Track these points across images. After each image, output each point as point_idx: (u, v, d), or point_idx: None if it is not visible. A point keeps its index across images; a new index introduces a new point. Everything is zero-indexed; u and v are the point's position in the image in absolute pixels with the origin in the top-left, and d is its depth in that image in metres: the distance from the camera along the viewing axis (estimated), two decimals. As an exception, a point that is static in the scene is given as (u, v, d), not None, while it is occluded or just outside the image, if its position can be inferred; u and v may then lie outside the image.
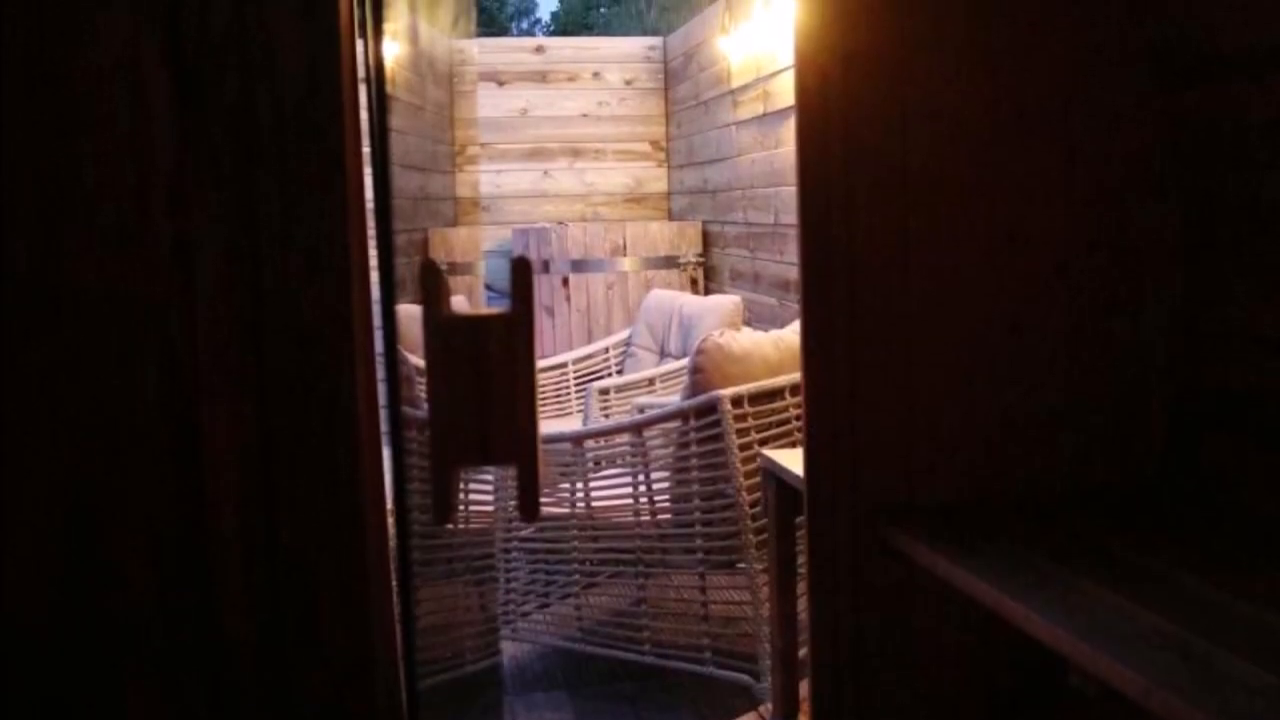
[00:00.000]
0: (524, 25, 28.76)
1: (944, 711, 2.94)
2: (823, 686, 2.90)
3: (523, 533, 4.44)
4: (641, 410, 4.61)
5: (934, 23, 2.78)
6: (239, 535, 2.18)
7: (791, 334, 4.24)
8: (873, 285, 2.79)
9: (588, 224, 8.06)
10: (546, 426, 5.67)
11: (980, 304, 2.85)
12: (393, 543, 2.20)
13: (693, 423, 3.97)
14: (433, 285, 1.39)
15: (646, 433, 4.13)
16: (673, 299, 6.86)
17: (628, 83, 8.83)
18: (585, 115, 8.81)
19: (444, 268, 1.45)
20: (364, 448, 2.18)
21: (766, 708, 3.88)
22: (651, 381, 6.30)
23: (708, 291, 7.45)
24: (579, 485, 4.26)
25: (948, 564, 2.47)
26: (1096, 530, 2.63)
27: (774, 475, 3.49)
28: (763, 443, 3.93)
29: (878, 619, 2.86)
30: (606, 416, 5.97)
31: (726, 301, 6.45)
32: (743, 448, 3.88)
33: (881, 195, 2.78)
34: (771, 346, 4.19)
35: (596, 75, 8.83)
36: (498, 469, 3.59)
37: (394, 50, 1.95)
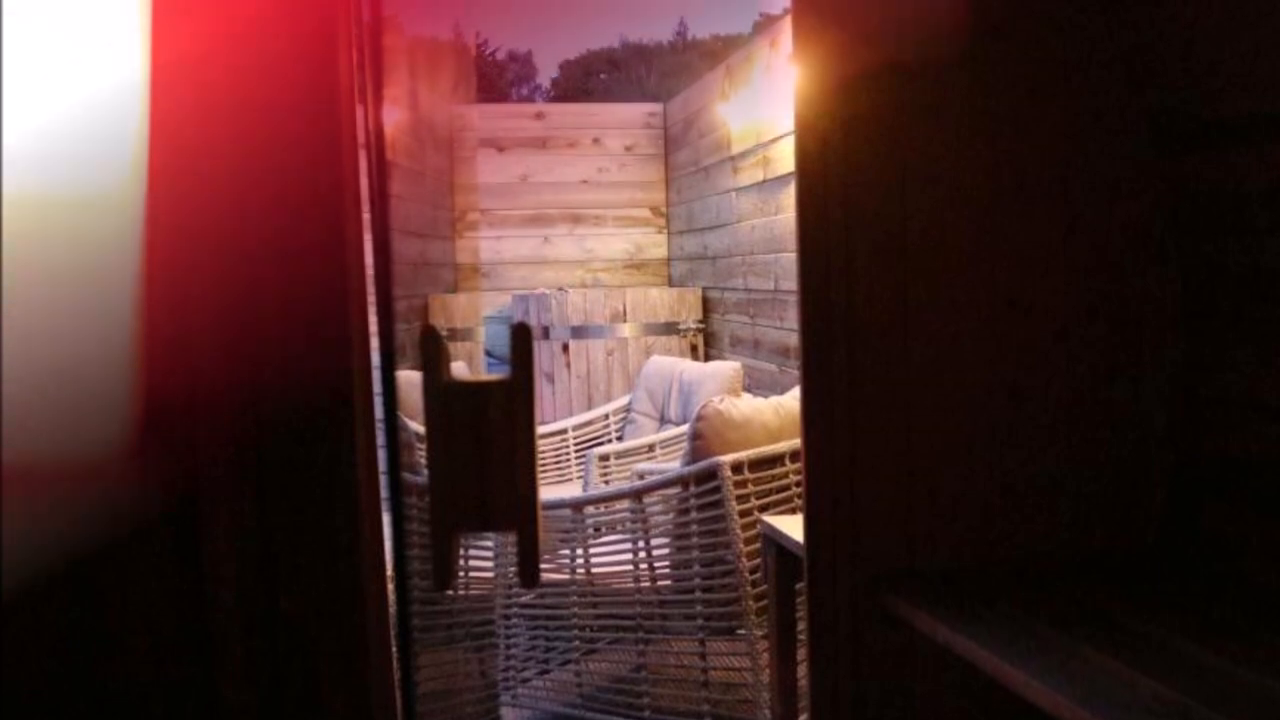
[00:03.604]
0: (524, 91, 28.98)
1: (946, 780, 2.92)
2: (824, 754, 2.88)
3: (523, 599, 4.42)
4: (641, 476, 4.61)
5: (934, 90, 2.80)
6: (239, 602, 2.17)
7: (791, 400, 4.25)
8: (873, 351, 2.79)
9: (588, 290, 8.08)
10: (546, 493, 5.66)
11: (980, 370, 2.85)
12: (393, 609, 2.19)
13: (693, 489, 3.97)
14: (433, 351, 1.39)
15: (646, 499, 4.12)
16: (673, 365, 6.87)
17: (628, 149, 8.88)
18: (585, 181, 8.85)
19: (444, 334, 1.45)
20: (364, 514, 2.17)
21: (767, 776, 3.85)
22: (651, 448, 6.29)
23: (708, 358, 7.47)
24: (579, 551, 4.25)
25: (948, 631, 2.46)
26: (1096, 597, 2.62)
27: (774, 541, 3.48)
28: (763, 509, 3.93)
29: (878, 686, 2.84)
30: (606, 482, 5.96)
31: (726, 368, 6.46)
32: (743, 514, 3.88)
33: (881, 261, 2.78)
34: (772, 413, 4.20)
35: (596, 141, 8.88)
36: (498, 535, 3.59)
37: (394, 116, 1.96)
